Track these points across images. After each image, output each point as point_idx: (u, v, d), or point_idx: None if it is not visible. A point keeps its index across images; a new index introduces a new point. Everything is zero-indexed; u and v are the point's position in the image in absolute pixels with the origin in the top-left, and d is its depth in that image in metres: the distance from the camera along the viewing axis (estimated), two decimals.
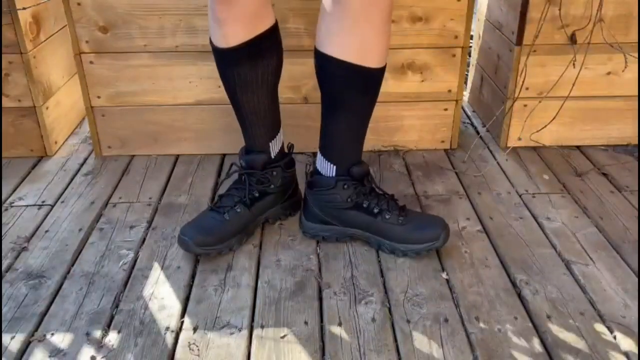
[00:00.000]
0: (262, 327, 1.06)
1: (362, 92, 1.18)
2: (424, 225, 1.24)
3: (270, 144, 1.29)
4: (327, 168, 1.26)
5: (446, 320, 1.07)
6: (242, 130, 1.30)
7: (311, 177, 1.29)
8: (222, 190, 1.50)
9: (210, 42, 1.21)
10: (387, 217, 1.24)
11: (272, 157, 1.31)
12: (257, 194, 1.30)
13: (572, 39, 1.56)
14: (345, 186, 1.24)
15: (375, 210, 1.24)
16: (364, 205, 1.25)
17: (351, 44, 1.11)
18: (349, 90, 1.17)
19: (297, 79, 1.60)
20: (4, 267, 1.21)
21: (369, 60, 1.12)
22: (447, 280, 1.17)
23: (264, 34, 1.17)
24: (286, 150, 1.36)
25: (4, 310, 1.10)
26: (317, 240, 1.30)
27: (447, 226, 1.24)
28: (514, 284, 1.17)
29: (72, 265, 1.22)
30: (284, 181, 1.34)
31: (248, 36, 1.15)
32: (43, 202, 1.45)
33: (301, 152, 1.64)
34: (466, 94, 2.05)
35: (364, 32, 1.10)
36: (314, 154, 1.67)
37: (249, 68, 1.19)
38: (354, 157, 1.25)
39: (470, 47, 1.98)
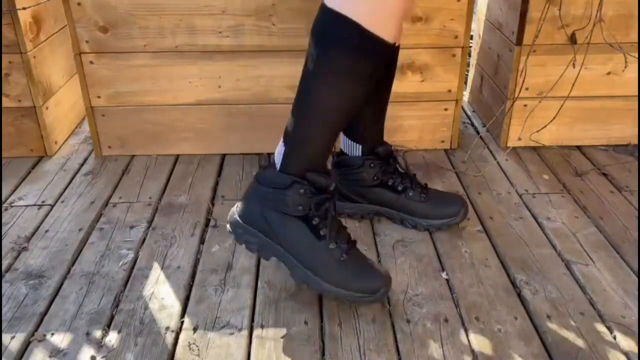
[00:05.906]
0: (262, 327, 1.06)
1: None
2: (444, 202, 1.32)
3: None
4: (352, 148, 1.31)
5: (446, 320, 1.07)
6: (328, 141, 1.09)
7: (338, 157, 1.33)
8: (223, 189, 1.50)
9: (375, 39, 1.00)
10: (410, 194, 1.31)
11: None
12: None
13: (572, 39, 1.56)
14: (372, 165, 1.30)
15: (400, 188, 1.31)
16: (389, 183, 1.31)
17: None
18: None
19: (297, 79, 1.58)
20: (4, 267, 1.21)
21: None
22: (447, 280, 1.17)
23: None
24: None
25: (4, 310, 1.10)
26: (343, 217, 1.34)
27: (465, 203, 1.31)
28: (514, 284, 1.17)
29: (72, 265, 1.22)
30: None
31: None
32: (43, 202, 1.45)
33: None
34: (466, 94, 2.05)
35: None
36: None
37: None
38: (378, 138, 1.31)
39: (470, 47, 1.98)
